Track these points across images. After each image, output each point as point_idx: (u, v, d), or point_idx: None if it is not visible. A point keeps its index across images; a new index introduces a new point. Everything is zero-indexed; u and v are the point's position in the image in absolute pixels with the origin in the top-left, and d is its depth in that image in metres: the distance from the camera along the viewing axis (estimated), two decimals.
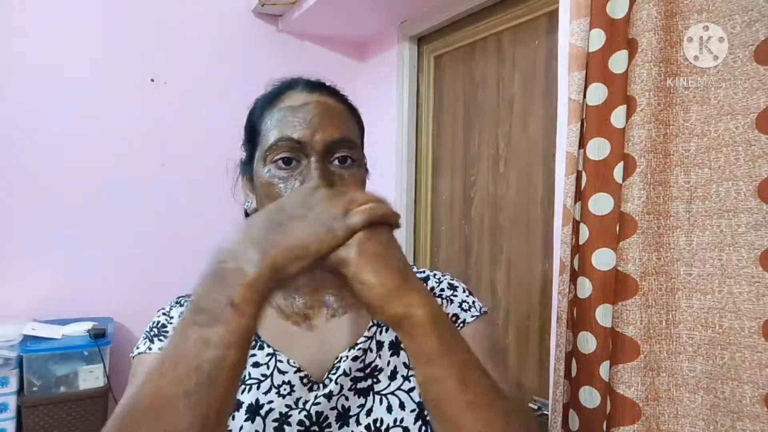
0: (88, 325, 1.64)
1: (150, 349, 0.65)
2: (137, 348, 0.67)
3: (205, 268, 0.43)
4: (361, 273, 0.45)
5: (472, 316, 0.71)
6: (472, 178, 1.76)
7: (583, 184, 1.05)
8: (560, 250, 1.11)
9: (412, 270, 0.49)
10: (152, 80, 1.90)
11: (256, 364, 0.66)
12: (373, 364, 0.68)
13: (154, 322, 0.68)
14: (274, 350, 0.66)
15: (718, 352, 0.87)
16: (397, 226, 0.50)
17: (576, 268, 1.07)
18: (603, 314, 1.01)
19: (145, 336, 0.67)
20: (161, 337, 0.66)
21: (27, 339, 1.54)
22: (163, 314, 0.69)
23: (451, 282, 0.75)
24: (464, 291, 0.75)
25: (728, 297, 0.86)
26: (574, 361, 1.07)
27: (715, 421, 0.87)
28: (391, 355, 0.69)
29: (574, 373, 1.07)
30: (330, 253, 0.45)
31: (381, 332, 0.70)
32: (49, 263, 1.77)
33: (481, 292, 1.68)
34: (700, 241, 0.90)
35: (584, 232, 1.04)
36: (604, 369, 1.01)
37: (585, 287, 1.03)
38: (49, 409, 1.52)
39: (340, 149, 0.64)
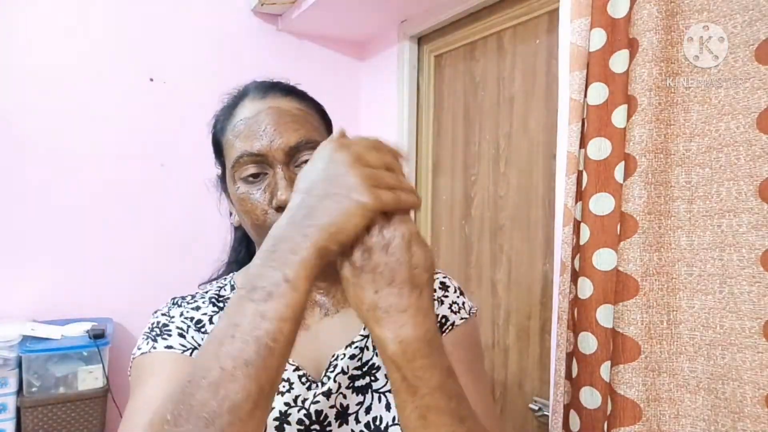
0: (88, 325, 1.63)
1: (155, 348, 0.62)
2: (139, 349, 0.64)
3: (259, 254, 0.46)
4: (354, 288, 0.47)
5: (462, 319, 0.71)
6: (472, 177, 1.75)
7: (583, 184, 1.05)
8: (561, 250, 1.11)
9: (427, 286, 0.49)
10: (152, 80, 1.89)
11: None
12: (371, 362, 0.68)
13: (153, 323, 0.66)
14: None
15: (719, 352, 0.87)
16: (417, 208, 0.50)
17: (577, 268, 1.07)
18: (604, 314, 1.01)
19: (146, 337, 0.64)
20: (165, 336, 0.63)
21: (26, 339, 1.54)
22: (162, 315, 0.67)
23: (443, 281, 0.75)
24: (455, 291, 0.74)
25: (729, 297, 0.86)
26: (574, 361, 1.07)
27: (716, 422, 0.86)
28: None
29: (574, 374, 1.07)
30: (365, 226, 0.45)
31: None
32: (49, 263, 1.76)
33: (482, 292, 1.68)
34: (701, 241, 0.89)
35: (585, 232, 1.04)
36: (604, 369, 1.00)
37: (586, 287, 1.03)
38: (49, 410, 1.51)
39: (304, 151, 0.64)
